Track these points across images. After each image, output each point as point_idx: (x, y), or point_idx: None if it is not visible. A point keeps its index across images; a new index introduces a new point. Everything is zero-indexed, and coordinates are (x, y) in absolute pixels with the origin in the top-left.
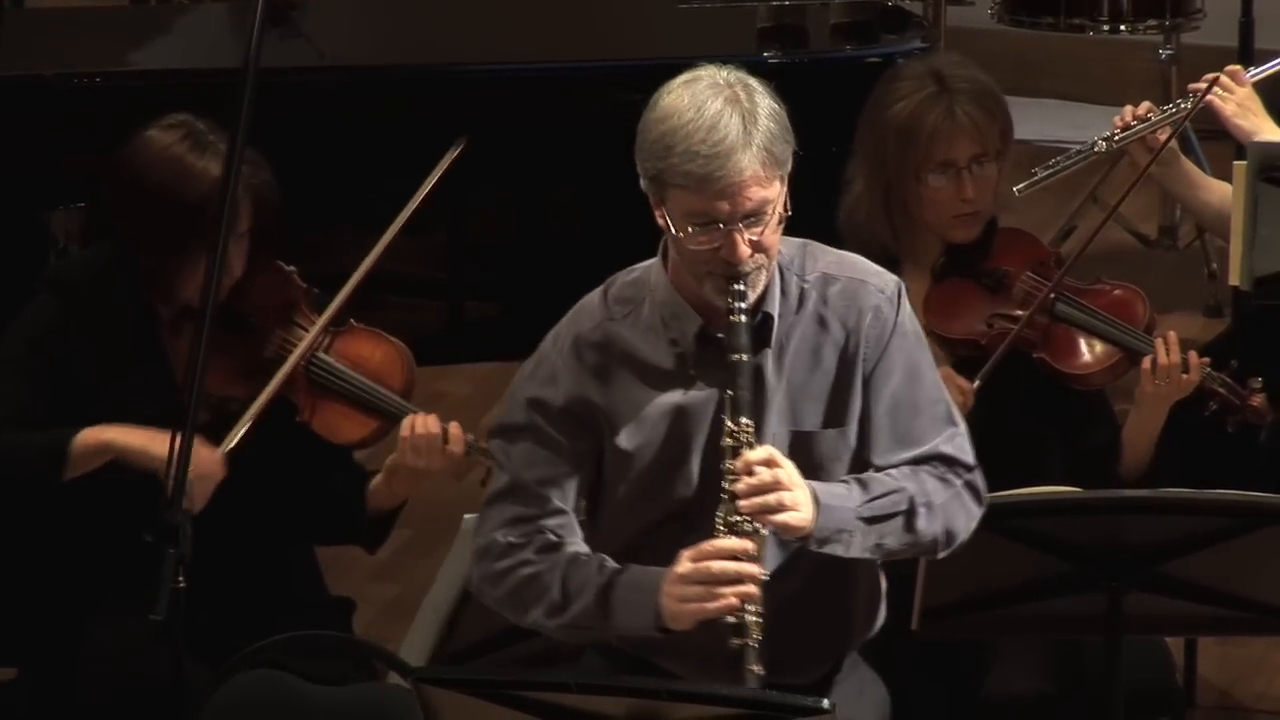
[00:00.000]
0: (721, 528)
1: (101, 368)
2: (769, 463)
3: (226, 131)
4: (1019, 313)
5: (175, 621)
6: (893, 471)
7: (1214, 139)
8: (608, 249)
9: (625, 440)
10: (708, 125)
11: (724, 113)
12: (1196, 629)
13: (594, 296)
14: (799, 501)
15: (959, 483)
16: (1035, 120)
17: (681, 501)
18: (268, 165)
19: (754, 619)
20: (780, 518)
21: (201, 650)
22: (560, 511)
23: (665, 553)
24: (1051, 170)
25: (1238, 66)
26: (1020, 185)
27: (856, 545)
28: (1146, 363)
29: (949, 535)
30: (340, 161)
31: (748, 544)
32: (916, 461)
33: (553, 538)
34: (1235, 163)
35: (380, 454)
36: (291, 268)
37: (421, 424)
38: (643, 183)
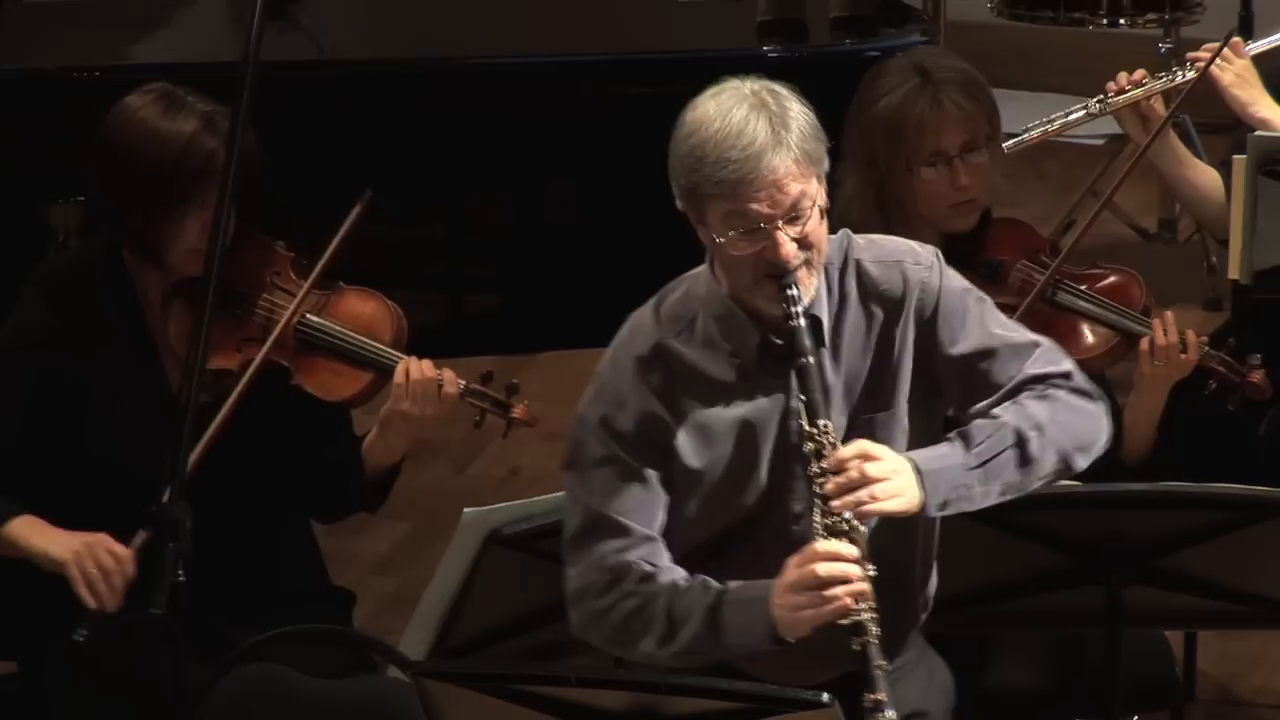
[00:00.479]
0: (821, 531)
1: (90, 362)
2: (862, 456)
3: (206, 95)
4: (1015, 301)
5: (175, 615)
6: (994, 411)
7: (1212, 132)
8: (607, 242)
9: (693, 458)
10: (736, 131)
11: (750, 117)
12: (1196, 623)
13: (645, 316)
14: (895, 488)
15: (1061, 393)
16: (1034, 114)
17: (751, 508)
18: (251, 132)
19: (869, 616)
20: (876, 507)
21: (200, 643)
22: (648, 539)
23: (737, 558)
24: (1042, 126)
25: (1238, 38)
26: (1009, 142)
27: (979, 495)
28: (1144, 344)
29: (1080, 447)
30: (340, 155)
31: (848, 545)
32: (1010, 395)
33: (648, 567)
34: (1234, 157)
35: (374, 421)
36: (279, 241)
37: (416, 369)
38: (679, 203)
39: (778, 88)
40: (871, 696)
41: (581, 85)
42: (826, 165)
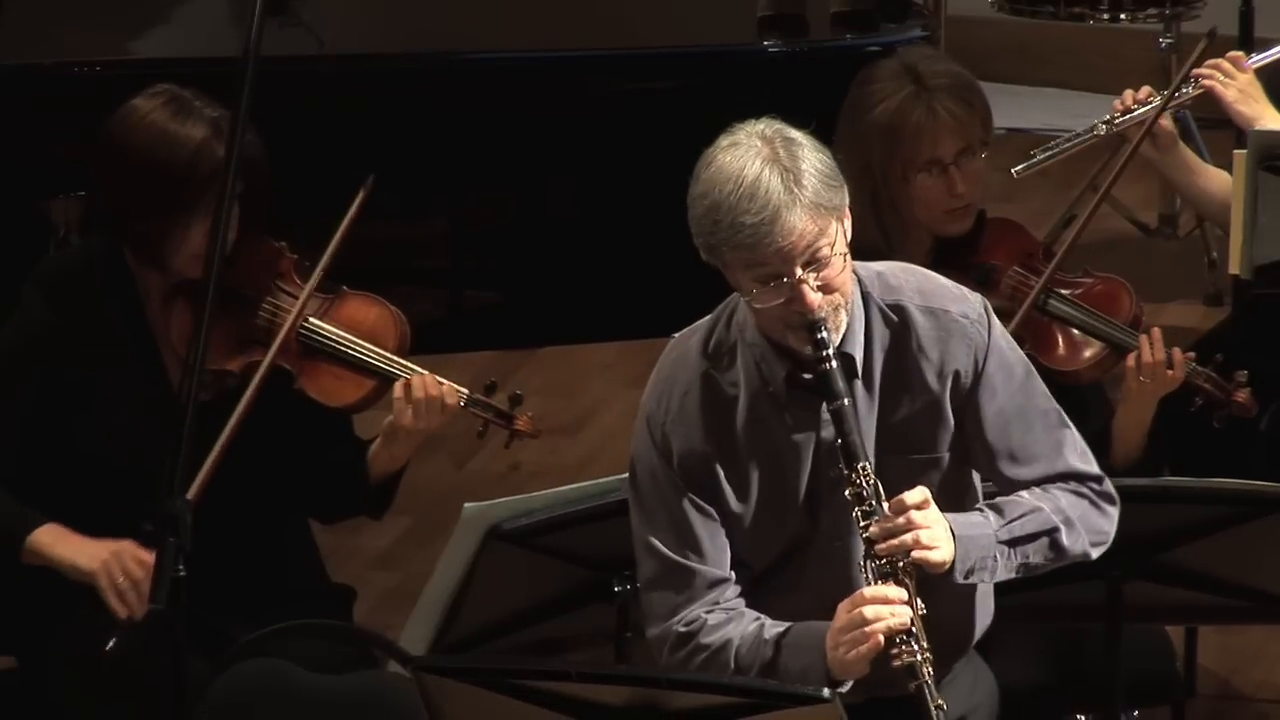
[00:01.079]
0: (872, 577)
1: (91, 360)
2: (921, 505)
3: (212, 99)
4: (1007, 306)
5: (176, 610)
6: (1023, 493)
7: (1214, 128)
8: (607, 237)
9: (734, 495)
10: (749, 194)
11: (763, 175)
12: (1196, 617)
13: (692, 347)
14: (937, 538)
15: (1090, 495)
16: (1035, 109)
17: (795, 538)
18: (254, 130)
19: (922, 657)
20: (918, 554)
21: (201, 639)
22: (719, 581)
23: (784, 580)
24: (1050, 152)
25: (1240, 53)
26: (1019, 166)
27: (1001, 569)
28: (1131, 360)
29: (1095, 545)
30: (340, 150)
31: (897, 588)
32: (1047, 480)
33: (721, 615)
34: (1235, 151)
35: (377, 422)
36: (282, 243)
37: (419, 385)
38: (702, 254)
39: (791, 134)
40: None
41: (582, 80)
42: (846, 206)
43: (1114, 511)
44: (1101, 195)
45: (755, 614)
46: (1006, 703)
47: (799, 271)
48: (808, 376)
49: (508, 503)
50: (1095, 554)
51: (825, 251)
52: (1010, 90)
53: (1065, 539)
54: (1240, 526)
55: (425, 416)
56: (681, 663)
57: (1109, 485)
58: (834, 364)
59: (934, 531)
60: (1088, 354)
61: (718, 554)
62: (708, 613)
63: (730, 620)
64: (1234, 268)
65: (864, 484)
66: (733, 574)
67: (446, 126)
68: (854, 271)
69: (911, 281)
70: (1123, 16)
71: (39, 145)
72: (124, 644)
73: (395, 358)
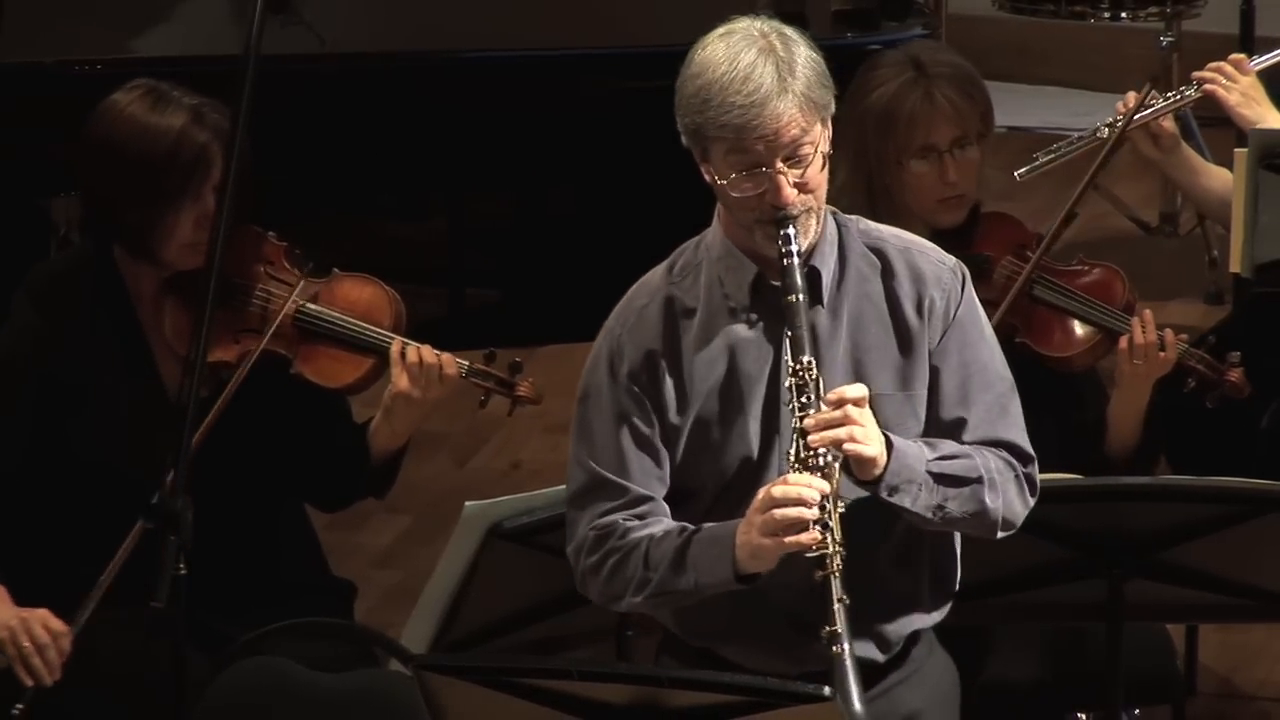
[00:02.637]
0: (794, 464)
1: (84, 363)
2: (859, 402)
3: (190, 89)
4: (1000, 297)
5: (176, 608)
6: (963, 442)
7: (1216, 126)
8: (609, 235)
9: (679, 401)
10: (742, 76)
11: (758, 63)
12: (1197, 616)
13: (658, 270)
14: (870, 436)
15: (1017, 471)
16: (1036, 108)
17: (745, 462)
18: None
19: (833, 550)
20: (851, 448)
21: (201, 637)
22: (644, 498)
23: (733, 515)
24: (1053, 155)
25: (1242, 55)
26: (1022, 169)
27: (922, 500)
28: (1123, 342)
29: (1007, 521)
30: (341, 149)
31: (817, 479)
32: (983, 443)
33: (636, 521)
34: (1236, 150)
35: (376, 406)
36: (270, 231)
37: (414, 349)
38: (683, 139)
39: (788, 31)
40: (829, 628)
41: (582, 79)
42: (832, 110)
43: (1030, 502)
44: (1084, 185)
45: (678, 523)
46: (1007, 701)
47: (779, 164)
48: (775, 285)
49: (509, 501)
50: (999, 533)
51: (807, 149)
52: (1011, 89)
53: (987, 497)
54: (1241, 525)
55: (424, 384)
56: (593, 568)
57: (1035, 472)
58: (797, 260)
59: (868, 430)
60: (1081, 339)
61: (648, 479)
62: (625, 520)
63: (648, 525)
64: (1235, 266)
65: (807, 378)
66: (664, 504)
67: (448, 125)
68: (834, 214)
69: (890, 232)
70: (1123, 15)
71: (40, 143)
72: (31, 710)
73: (392, 334)
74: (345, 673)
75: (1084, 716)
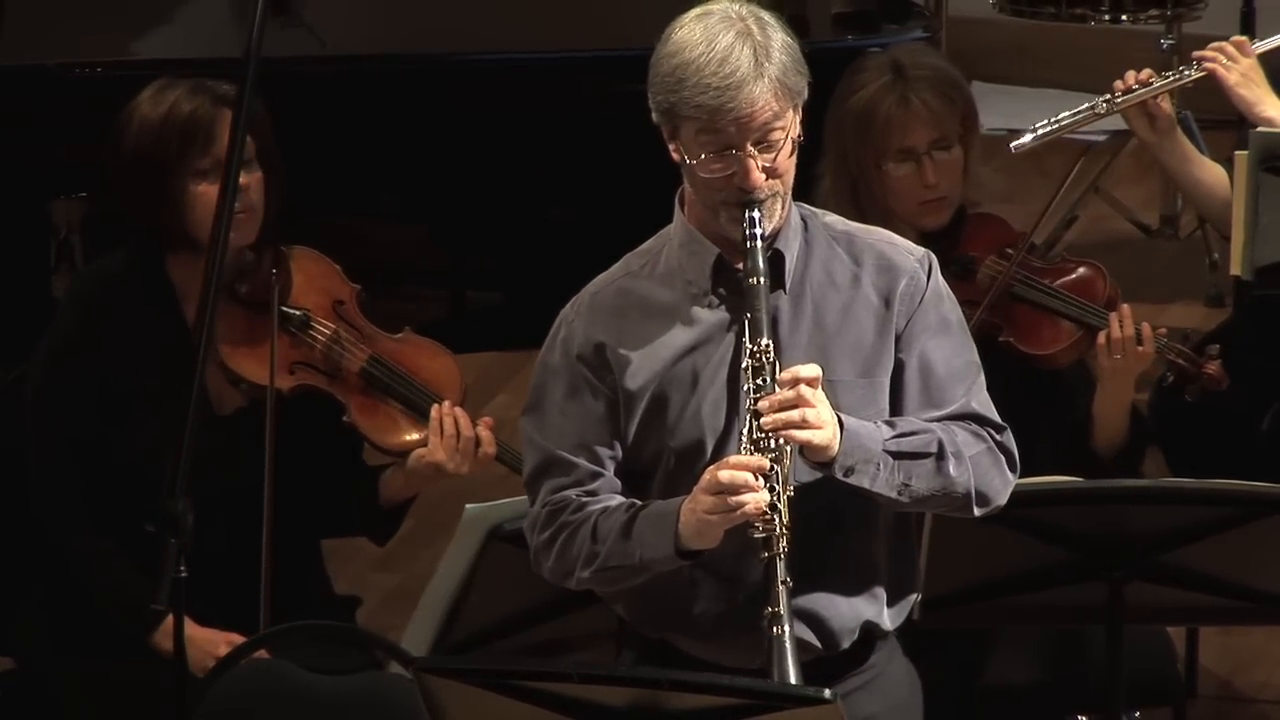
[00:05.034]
0: (748, 446)
1: (127, 368)
2: (812, 382)
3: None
4: (984, 297)
5: (177, 609)
6: (920, 420)
7: (1216, 128)
8: (609, 237)
9: (631, 380)
10: (719, 58)
11: (735, 45)
12: (1198, 618)
13: (619, 263)
14: (823, 419)
15: (989, 441)
16: (1036, 110)
17: (701, 445)
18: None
19: (780, 532)
20: (803, 434)
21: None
22: (596, 475)
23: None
24: (1049, 127)
25: (1244, 38)
26: (1016, 141)
27: (882, 480)
28: (1101, 337)
29: (981, 495)
30: (343, 150)
31: (765, 460)
32: (950, 419)
33: (587, 497)
34: (1236, 153)
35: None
36: (353, 284)
37: (452, 423)
38: (654, 115)
39: (764, 15)
40: (771, 609)
41: (583, 81)
42: (805, 96)
43: (1010, 476)
44: (1056, 193)
45: (628, 499)
46: (1007, 703)
47: (750, 147)
48: (738, 269)
49: (509, 504)
50: (976, 509)
51: (778, 134)
52: (1011, 91)
53: (953, 470)
54: (1242, 527)
55: (460, 459)
56: (546, 543)
57: (1010, 441)
58: (760, 244)
59: (821, 412)
60: (1062, 336)
61: (600, 457)
62: (577, 495)
63: (599, 500)
64: (1235, 269)
65: (764, 360)
66: (616, 480)
67: (449, 126)
68: (799, 206)
69: (858, 226)
70: (1124, 17)
71: (40, 146)
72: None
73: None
74: (345, 675)
75: (1085, 719)
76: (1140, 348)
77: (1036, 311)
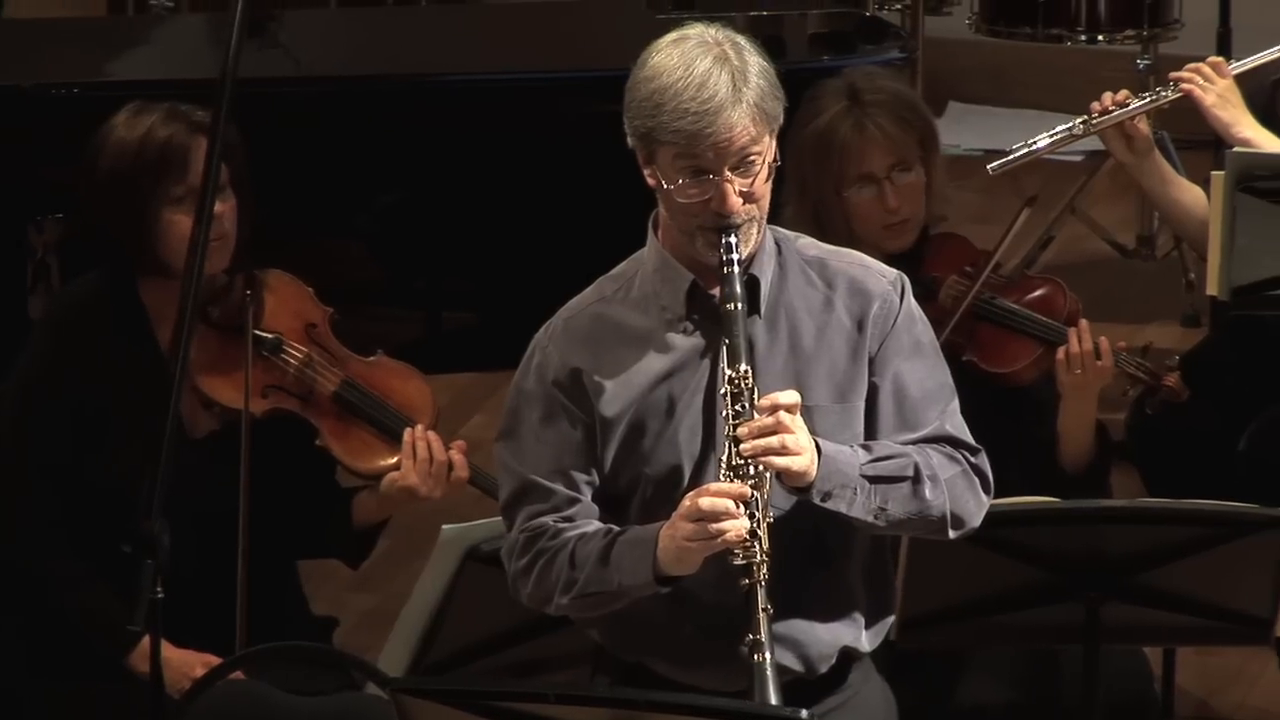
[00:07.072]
0: (727, 473)
1: (101, 392)
2: (791, 409)
3: (176, 105)
4: (947, 317)
5: (154, 631)
6: (895, 444)
7: (1192, 148)
8: (587, 257)
9: (608, 407)
10: (697, 83)
11: (713, 70)
12: (1175, 639)
13: (592, 287)
14: (802, 445)
15: (964, 463)
16: (1012, 131)
17: (678, 471)
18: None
19: (760, 559)
20: (782, 461)
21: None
22: (573, 500)
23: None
24: (1026, 149)
25: (1220, 59)
26: (994, 164)
27: (859, 504)
28: (1061, 353)
29: (956, 517)
30: (318, 170)
31: (746, 488)
32: (924, 441)
33: (564, 523)
34: (1213, 173)
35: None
36: (326, 306)
37: (425, 446)
38: (630, 140)
39: (740, 40)
40: (752, 637)
41: (559, 102)
42: (781, 121)
43: (985, 499)
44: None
45: (606, 525)
46: None
47: (727, 171)
48: (712, 295)
49: (486, 524)
50: (952, 532)
51: (755, 159)
52: (988, 112)
53: (929, 493)
54: (1218, 548)
55: (433, 483)
56: (524, 570)
57: (985, 464)
58: (737, 269)
59: (800, 438)
60: (1024, 353)
61: (577, 483)
62: (555, 521)
63: (576, 526)
64: (1212, 289)
65: (742, 385)
66: (594, 505)
67: (424, 147)
68: (773, 230)
69: (830, 249)
70: (1100, 38)
71: (16, 167)
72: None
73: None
74: (322, 696)
75: None
76: (1099, 362)
77: (998, 329)
